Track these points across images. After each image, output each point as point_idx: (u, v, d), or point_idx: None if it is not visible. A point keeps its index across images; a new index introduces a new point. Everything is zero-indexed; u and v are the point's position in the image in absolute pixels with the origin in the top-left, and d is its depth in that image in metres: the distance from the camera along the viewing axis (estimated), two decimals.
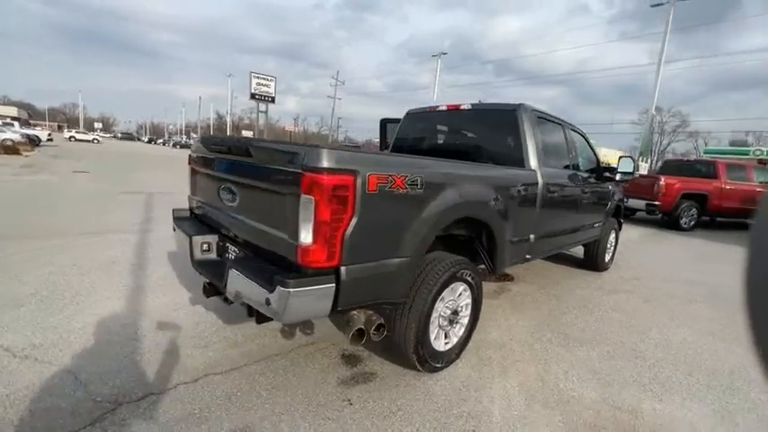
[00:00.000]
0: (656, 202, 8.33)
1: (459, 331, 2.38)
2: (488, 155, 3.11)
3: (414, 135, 3.81)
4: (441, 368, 2.27)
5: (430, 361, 2.17)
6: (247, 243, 1.97)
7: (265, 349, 2.40)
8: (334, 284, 1.58)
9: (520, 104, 3.02)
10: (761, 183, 9.23)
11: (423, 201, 1.88)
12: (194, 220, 2.59)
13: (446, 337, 2.30)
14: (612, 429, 1.93)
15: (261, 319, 1.85)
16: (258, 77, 30.01)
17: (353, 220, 1.58)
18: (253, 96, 29.94)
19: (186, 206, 2.75)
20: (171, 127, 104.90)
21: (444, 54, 32.14)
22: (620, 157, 4.02)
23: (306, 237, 1.53)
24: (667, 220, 8.74)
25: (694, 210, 8.62)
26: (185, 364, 2.15)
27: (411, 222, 1.84)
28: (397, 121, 4.95)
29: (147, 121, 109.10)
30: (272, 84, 30.81)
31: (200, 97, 74.40)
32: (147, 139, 73.89)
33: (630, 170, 3.87)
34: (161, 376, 2.03)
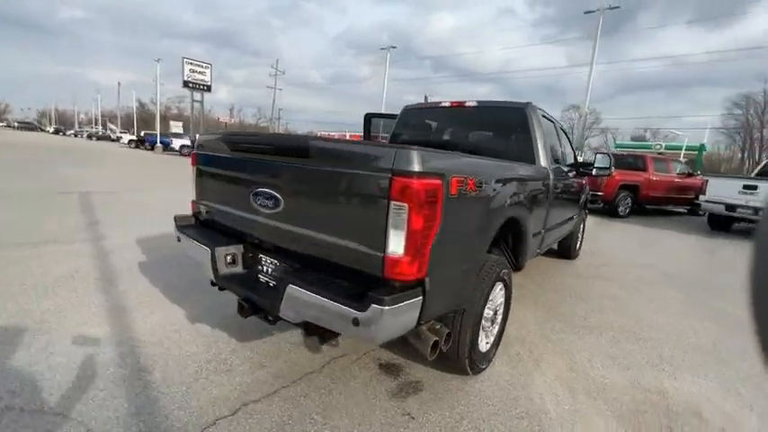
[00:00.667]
0: (600, 193, 9.19)
1: (494, 330, 2.38)
2: (497, 153, 3.14)
3: (413, 131, 3.73)
4: (484, 369, 2.26)
5: (478, 363, 2.15)
6: (295, 254, 1.76)
7: (296, 367, 2.19)
8: (421, 297, 1.47)
9: (528, 103, 3.08)
10: (678, 174, 10.62)
11: (487, 202, 1.82)
12: (203, 228, 2.27)
13: (486, 337, 2.29)
14: (652, 411, 2.06)
15: (325, 338, 1.67)
16: (192, 64, 27.59)
17: (438, 227, 1.48)
18: (186, 84, 27.47)
19: (187, 212, 2.40)
20: (82, 116, 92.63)
21: (393, 48, 31.95)
22: (596, 154, 4.32)
23: (396, 248, 1.39)
24: (608, 209, 9.69)
25: (629, 199, 9.67)
26: (215, 395, 1.89)
27: (479, 225, 1.78)
28: (382, 116, 4.82)
29: (50, 109, 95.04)
30: (208, 71, 28.52)
31: (118, 83, 66.20)
32: (53, 130, 64.48)
33: (607, 165, 4.18)
34: (192, 413, 1.75)
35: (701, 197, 8.47)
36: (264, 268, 1.94)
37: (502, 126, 3.21)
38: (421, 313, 1.49)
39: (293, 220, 1.71)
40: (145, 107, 68.65)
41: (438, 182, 1.43)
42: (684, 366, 2.59)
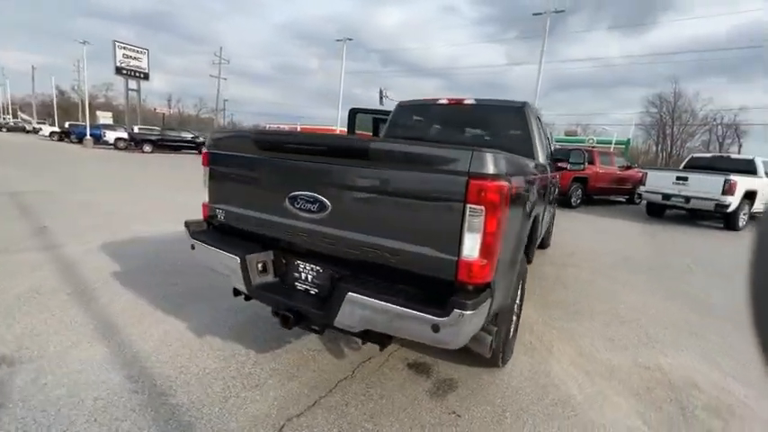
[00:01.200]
0: None
1: (514, 322, 2.47)
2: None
3: (408, 128, 3.72)
4: (508, 359, 2.34)
5: (507, 356, 2.22)
6: (342, 260, 1.68)
7: (327, 375, 2.12)
8: (490, 299, 1.48)
9: (525, 102, 3.20)
10: (619, 167, 11.70)
11: (528, 200, 1.88)
12: (220, 234, 2.09)
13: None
14: (659, 387, 2.27)
15: (385, 344, 1.63)
16: (125, 48, 25.06)
17: (504, 228, 1.50)
18: (119, 71, 24.89)
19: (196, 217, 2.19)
20: None
21: (350, 40, 30.83)
22: (572, 150, 4.61)
23: (471, 251, 1.39)
24: (561, 200, 10.42)
25: (580, 190, 10.49)
26: (253, 413, 1.77)
27: (523, 223, 1.83)
28: (368, 111, 4.75)
29: None
30: (144, 57, 26.08)
31: (32, 67, 58.21)
32: None
33: (581, 161, 4.47)
34: None
35: (642, 188, 9.41)
36: (302, 275, 1.83)
37: (501, 124, 3.31)
38: (487, 315, 1.51)
39: (343, 224, 1.63)
40: (65, 95, 61.22)
41: (507, 183, 1.44)
42: (668, 342, 2.88)
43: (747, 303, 0.34)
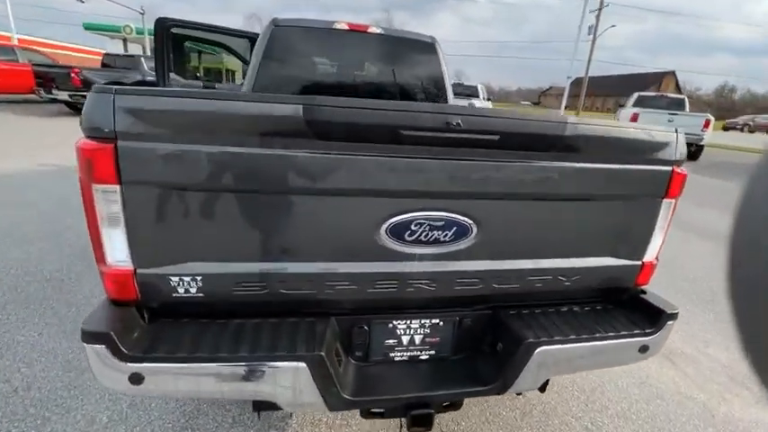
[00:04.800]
0: None
1: None
2: (407, 95, 2.82)
3: (291, 64, 2.64)
4: None
5: None
6: (486, 301, 1.15)
7: None
8: None
9: (433, 37, 2.86)
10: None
11: None
12: (189, 326, 0.96)
13: None
14: None
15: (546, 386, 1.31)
16: None
17: None
18: None
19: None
20: None
21: None
22: None
23: (653, 251, 1.22)
24: None
25: None
26: None
27: None
28: (187, 25, 3.11)
29: None
30: None
31: None
32: None
33: None
34: None
35: None
36: (404, 339, 1.14)
37: (411, 62, 2.83)
38: None
39: (499, 252, 1.07)
40: None
41: None
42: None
43: (727, 294, 0.25)
